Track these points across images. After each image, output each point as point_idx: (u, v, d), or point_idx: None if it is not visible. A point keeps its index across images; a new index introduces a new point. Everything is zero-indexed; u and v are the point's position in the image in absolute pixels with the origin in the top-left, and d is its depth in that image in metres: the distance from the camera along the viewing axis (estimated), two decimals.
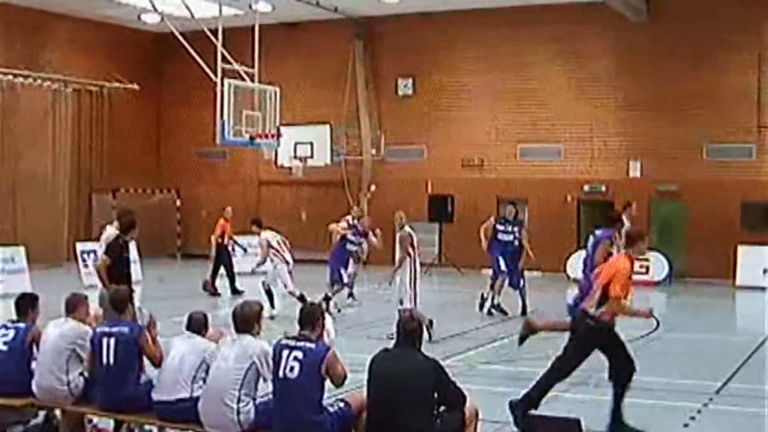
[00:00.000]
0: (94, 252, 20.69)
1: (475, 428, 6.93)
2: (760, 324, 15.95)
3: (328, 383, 6.73)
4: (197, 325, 7.51)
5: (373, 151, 27.26)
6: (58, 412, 8.04)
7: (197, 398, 7.01)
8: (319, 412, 6.64)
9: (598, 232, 12.53)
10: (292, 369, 6.60)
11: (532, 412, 8.14)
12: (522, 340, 9.17)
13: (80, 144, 27.49)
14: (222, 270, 19.76)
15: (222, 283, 19.60)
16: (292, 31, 27.64)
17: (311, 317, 6.94)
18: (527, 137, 25.70)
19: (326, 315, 7.22)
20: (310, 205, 28.08)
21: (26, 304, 8.32)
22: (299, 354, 6.64)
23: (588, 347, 8.37)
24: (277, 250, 16.40)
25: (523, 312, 16.34)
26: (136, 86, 27.79)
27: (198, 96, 25.68)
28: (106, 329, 7.59)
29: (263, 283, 16.40)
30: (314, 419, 6.59)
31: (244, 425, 6.82)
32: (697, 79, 23.65)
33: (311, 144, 24.51)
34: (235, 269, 19.87)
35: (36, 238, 23.80)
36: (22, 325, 8.12)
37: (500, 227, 16.66)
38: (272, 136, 20.22)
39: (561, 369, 8.43)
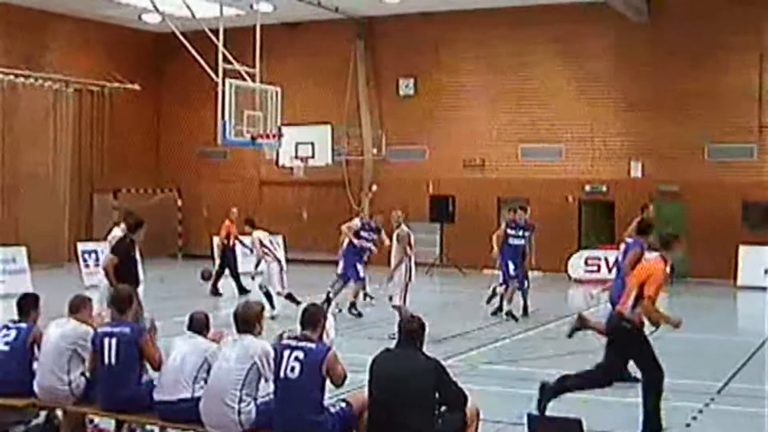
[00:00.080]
0: (95, 252, 20.76)
1: (477, 428, 6.93)
2: (761, 324, 15.91)
3: (328, 383, 6.73)
4: (198, 325, 7.51)
5: (375, 151, 27.23)
6: (59, 412, 8.05)
7: (198, 398, 7.01)
8: (320, 412, 6.64)
9: (629, 240, 12.52)
10: (293, 369, 6.61)
11: (533, 412, 8.14)
12: (572, 332, 9.19)
13: (81, 144, 27.47)
14: (227, 271, 19.78)
15: (226, 284, 19.59)
16: (293, 31, 27.63)
17: (313, 318, 6.94)
18: (528, 137, 25.69)
19: (328, 316, 7.23)
20: (312, 205, 28.06)
21: (28, 304, 8.33)
22: (300, 354, 6.64)
23: (627, 351, 8.44)
24: (269, 250, 16.44)
25: (524, 312, 16.37)
26: (137, 86, 27.78)
27: (199, 96, 25.66)
28: (108, 329, 7.59)
29: (260, 286, 16.45)
30: (315, 419, 6.59)
31: (245, 425, 6.82)
32: (698, 79, 23.64)
33: (312, 144, 24.54)
34: (240, 269, 19.89)
35: (37, 238, 23.80)
36: (23, 325, 8.13)
37: (511, 232, 16.48)
38: (273, 136, 20.20)
39: (605, 376, 8.46)
